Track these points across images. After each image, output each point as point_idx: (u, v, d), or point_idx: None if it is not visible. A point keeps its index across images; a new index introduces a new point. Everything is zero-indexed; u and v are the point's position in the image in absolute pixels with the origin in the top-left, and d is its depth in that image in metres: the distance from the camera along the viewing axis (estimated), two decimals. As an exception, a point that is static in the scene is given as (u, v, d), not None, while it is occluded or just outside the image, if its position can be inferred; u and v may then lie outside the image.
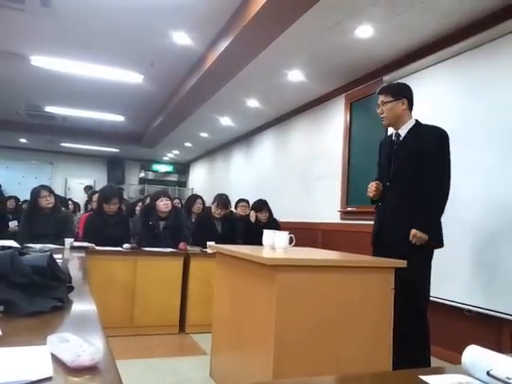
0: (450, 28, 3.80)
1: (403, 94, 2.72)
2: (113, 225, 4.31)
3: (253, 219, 5.26)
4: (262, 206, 5.23)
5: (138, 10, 4.10)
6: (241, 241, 4.79)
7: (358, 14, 3.71)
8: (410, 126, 2.71)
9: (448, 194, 2.57)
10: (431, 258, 2.62)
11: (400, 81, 4.27)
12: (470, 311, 3.38)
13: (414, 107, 2.79)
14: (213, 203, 5.04)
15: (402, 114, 2.70)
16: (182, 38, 4.67)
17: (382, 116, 2.75)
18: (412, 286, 2.38)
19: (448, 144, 2.61)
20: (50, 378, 0.73)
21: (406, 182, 2.62)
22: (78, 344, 0.83)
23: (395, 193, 2.67)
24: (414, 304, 2.50)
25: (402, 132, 2.72)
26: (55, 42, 4.96)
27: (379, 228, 2.77)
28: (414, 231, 2.52)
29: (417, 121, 2.73)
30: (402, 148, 2.69)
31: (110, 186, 5.08)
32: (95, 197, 5.72)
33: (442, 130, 2.63)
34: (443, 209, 2.56)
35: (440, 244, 2.64)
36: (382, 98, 2.74)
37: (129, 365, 3.04)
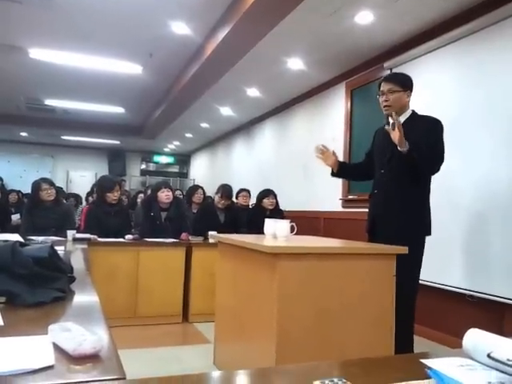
0: (450, 13, 3.76)
1: (410, 86, 2.74)
2: (113, 214, 4.32)
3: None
4: (268, 192, 5.16)
5: (136, 1, 4.07)
6: (244, 230, 4.77)
7: (358, -1, 3.68)
8: (407, 116, 2.72)
9: (437, 164, 2.55)
10: (420, 248, 2.59)
11: (401, 67, 4.26)
12: (471, 296, 3.39)
13: (414, 93, 2.79)
14: (216, 193, 5.03)
15: (405, 104, 2.73)
16: (180, 28, 4.63)
17: (386, 104, 2.69)
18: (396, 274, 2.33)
19: (440, 132, 2.61)
20: (51, 367, 0.73)
21: (399, 170, 2.62)
22: (79, 333, 0.83)
23: (389, 180, 2.69)
24: (398, 292, 2.43)
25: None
26: (54, 34, 4.92)
27: (373, 215, 2.79)
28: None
29: (413, 111, 2.75)
30: None
31: (108, 176, 5.09)
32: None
33: (436, 120, 2.65)
34: (430, 165, 2.55)
35: (427, 232, 2.63)
36: (389, 86, 2.68)
37: (133, 354, 3.06)
